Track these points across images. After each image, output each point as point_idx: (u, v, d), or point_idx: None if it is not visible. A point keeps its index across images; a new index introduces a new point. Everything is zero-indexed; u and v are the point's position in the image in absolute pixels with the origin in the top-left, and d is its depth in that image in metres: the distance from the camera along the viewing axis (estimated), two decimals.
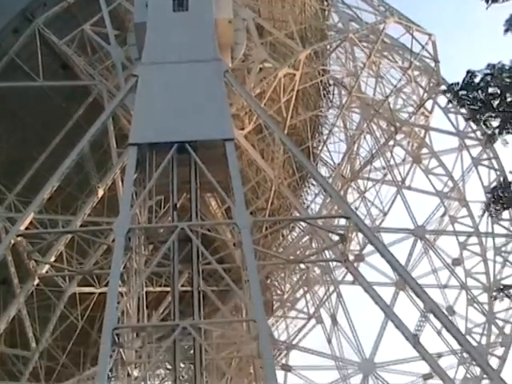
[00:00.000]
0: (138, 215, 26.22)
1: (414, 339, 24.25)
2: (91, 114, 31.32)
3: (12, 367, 33.44)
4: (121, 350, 24.51)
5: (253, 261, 22.33)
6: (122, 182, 27.97)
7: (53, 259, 28.23)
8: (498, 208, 17.90)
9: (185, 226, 22.91)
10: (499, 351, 41.38)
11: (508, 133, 16.86)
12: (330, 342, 43.29)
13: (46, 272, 28.37)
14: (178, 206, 25.03)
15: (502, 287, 25.61)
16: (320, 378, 45.54)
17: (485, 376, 32.65)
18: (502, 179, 20.84)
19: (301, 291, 46.01)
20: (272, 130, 28.56)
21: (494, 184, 37.96)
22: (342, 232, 25.85)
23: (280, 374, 42.71)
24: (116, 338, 23.57)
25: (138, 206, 24.85)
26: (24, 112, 34.97)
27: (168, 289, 28.40)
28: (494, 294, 32.03)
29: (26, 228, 26.38)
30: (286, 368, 43.40)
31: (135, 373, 27.83)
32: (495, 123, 17.03)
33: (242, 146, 30.61)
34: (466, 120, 27.11)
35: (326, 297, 44.52)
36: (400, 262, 24.27)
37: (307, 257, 37.96)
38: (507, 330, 41.87)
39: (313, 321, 44.96)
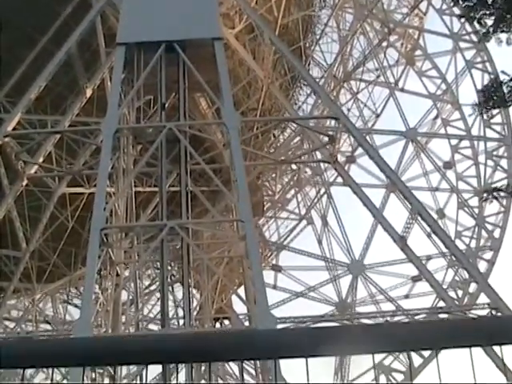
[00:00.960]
0: (127, 115, 26.04)
1: (401, 241, 24.42)
2: (80, 13, 30.74)
3: (4, 268, 33.74)
4: (109, 250, 24.73)
5: (240, 161, 22.23)
6: (111, 81, 27.67)
7: (41, 160, 28.12)
8: (488, 107, 17.73)
9: (172, 126, 22.75)
10: (488, 255, 41.73)
11: (502, 31, 16.57)
12: (320, 243, 43.57)
13: (35, 172, 28.29)
14: (166, 106, 24.80)
15: (491, 189, 25.68)
16: (310, 278, 46.08)
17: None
18: (494, 78, 20.54)
19: (292, 192, 46.16)
20: (262, 29, 28.12)
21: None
22: (331, 133, 25.71)
23: (270, 274, 43.17)
24: (104, 238, 23.70)
25: (126, 106, 24.63)
26: (12, 13, 34.30)
27: (157, 189, 28.40)
28: (484, 195, 32.17)
29: (14, 129, 26.21)
30: (276, 268, 43.79)
31: (126, 273, 28.10)
32: (490, 21, 16.72)
33: (232, 45, 30.19)
34: (460, 18, 26.53)
35: (317, 198, 44.61)
36: (388, 164, 24.24)
37: (297, 158, 37.91)
38: (496, 234, 42.13)
39: (304, 222, 45.16)
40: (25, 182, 27.36)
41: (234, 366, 37.86)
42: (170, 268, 32.68)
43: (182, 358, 2.37)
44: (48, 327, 36.01)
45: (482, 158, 43.37)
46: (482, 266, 40.90)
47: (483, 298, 40.17)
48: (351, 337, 2.35)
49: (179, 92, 24.64)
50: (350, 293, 42.83)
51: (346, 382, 42.77)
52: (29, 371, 37.94)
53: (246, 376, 38.05)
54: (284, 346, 2.30)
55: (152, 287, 38.78)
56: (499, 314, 38.43)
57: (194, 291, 42.05)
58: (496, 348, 2.53)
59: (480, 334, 2.39)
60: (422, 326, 2.41)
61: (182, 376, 26.18)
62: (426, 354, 41.18)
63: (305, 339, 2.32)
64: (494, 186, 40.23)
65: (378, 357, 41.59)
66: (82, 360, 2.33)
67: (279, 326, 37.18)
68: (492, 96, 17.39)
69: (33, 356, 2.29)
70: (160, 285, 24.07)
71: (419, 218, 25.29)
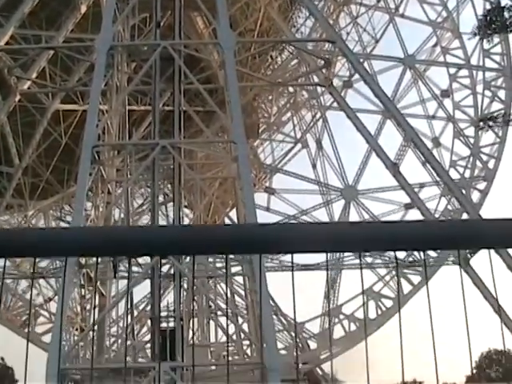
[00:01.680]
0: (121, 33, 25.72)
1: (393, 168, 24.43)
2: None
3: None
4: (101, 167, 24.71)
5: (234, 82, 22.05)
6: None
7: (35, 76, 27.90)
8: (489, 32, 17.53)
9: (167, 45, 22.49)
10: (482, 185, 41.79)
11: None
12: (314, 166, 43.54)
13: (28, 88, 28.09)
14: (162, 24, 24.54)
15: (488, 117, 25.53)
16: (302, 202, 46.18)
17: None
18: (496, 3, 20.24)
19: (288, 115, 45.94)
20: None
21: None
22: (327, 57, 25.48)
23: (263, 196, 43.30)
24: (96, 156, 23.67)
25: (120, 23, 24.32)
26: None
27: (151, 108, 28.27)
28: (480, 123, 32.05)
29: (7, 43, 25.93)
30: (270, 191, 43.89)
31: (119, 191, 28.13)
32: None
33: None
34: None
35: (312, 122, 44.46)
36: (383, 90, 24.07)
37: (292, 80, 37.61)
38: (491, 165, 42.13)
39: (299, 145, 45.10)
40: (18, 98, 27.18)
41: (223, 286, 38.25)
42: (162, 187, 32.71)
43: (169, 250, 2.36)
44: None
45: (479, 88, 43.13)
46: (475, 196, 41.04)
47: None
48: (338, 234, 2.33)
49: (175, 10, 24.34)
50: (343, 218, 43.04)
51: (334, 306, 43.28)
52: (20, 287, 38.35)
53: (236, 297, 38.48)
54: (270, 241, 2.29)
55: (144, 206, 38.88)
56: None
57: (187, 211, 42.28)
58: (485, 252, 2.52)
59: (468, 236, 2.37)
60: (410, 225, 2.39)
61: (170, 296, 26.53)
62: (416, 280, 41.63)
63: (291, 234, 2.31)
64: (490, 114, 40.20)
65: (367, 283, 42.04)
66: (73, 250, 2.32)
67: None
68: (493, 21, 17.19)
69: (28, 245, 2.28)
70: (151, 203, 24.10)
71: (412, 146, 25.27)
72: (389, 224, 2.38)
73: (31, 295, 37.07)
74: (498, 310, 35.38)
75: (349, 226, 2.40)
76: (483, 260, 41.47)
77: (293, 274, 2.85)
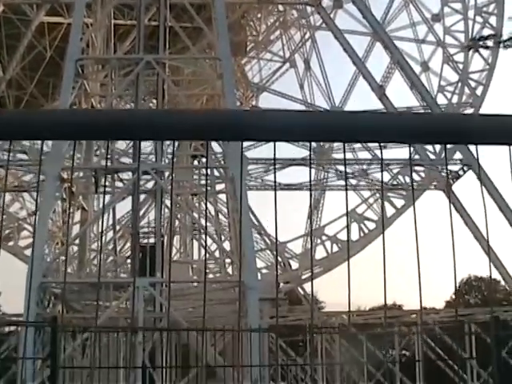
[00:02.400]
0: None
1: (379, 90, 24.32)
2: None
3: None
4: (85, 82, 24.46)
5: None
6: None
7: None
8: None
9: None
10: (468, 112, 41.69)
11: None
12: (301, 87, 43.33)
13: None
14: None
15: (478, 37, 25.26)
16: None
17: None
18: None
19: (277, 33, 45.45)
20: None
21: None
22: None
23: None
24: (80, 70, 23.42)
25: None
26: None
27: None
28: (470, 43, 31.75)
29: None
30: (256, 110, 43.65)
31: (102, 105, 27.91)
32: None
33: None
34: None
35: (301, 42, 44.04)
36: (371, 11, 23.81)
37: None
38: (479, 92, 42.00)
39: (287, 65, 44.79)
40: (1, 9, 26.75)
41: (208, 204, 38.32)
42: (145, 102, 32.45)
43: (149, 133, 2.30)
44: (24, 157, 36.05)
45: (471, 14, 42.67)
46: None
47: (459, 155, 40.71)
48: (322, 122, 2.28)
49: None
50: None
51: (318, 226, 43.60)
52: (6, 200, 38.27)
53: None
54: (251, 128, 2.24)
55: None
56: (470, 170, 39.08)
57: None
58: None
59: (453, 131, 2.32)
60: (396, 117, 2.34)
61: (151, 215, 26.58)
62: (399, 204, 41.86)
63: (273, 123, 2.25)
64: (481, 43, 39.95)
65: (351, 205, 42.23)
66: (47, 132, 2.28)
67: (251, 167, 37.71)
68: None
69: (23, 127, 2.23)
70: None
71: (399, 69, 25.11)
72: (374, 114, 2.32)
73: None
74: (487, 239, 35.73)
75: (332, 115, 2.35)
76: (465, 186, 41.66)
77: (275, 169, 2.81)
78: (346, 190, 41.26)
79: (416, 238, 3.70)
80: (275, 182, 39.14)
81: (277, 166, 36.99)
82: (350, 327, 35.21)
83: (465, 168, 40.44)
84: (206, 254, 30.81)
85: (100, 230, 25.20)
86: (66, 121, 2.23)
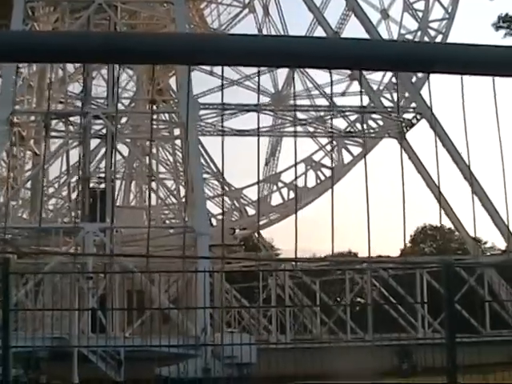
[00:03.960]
0: None
1: (334, 36, 24.17)
2: None
3: None
4: (35, 23, 24.05)
5: None
6: None
7: None
8: None
9: None
10: None
11: None
12: (260, 32, 42.95)
13: None
14: None
15: None
16: (247, 68, 45.59)
17: None
18: None
19: None
20: None
21: None
22: None
23: None
24: (30, 12, 23.04)
25: None
26: None
27: None
28: None
29: None
30: None
31: None
32: None
33: None
34: None
35: None
36: None
37: None
38: (438, 41, 41.98)
39: (246, 10, 44.38)
40: None
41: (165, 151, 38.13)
42: None
43: (104, 56, 2.25)
44: None
45: None
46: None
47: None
48: (272, 46, 2.23)
49: None
50: (286, 86, 42.94)
51: (273, 173, 43.66)
52: None
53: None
54: (203, 51, 2.18)
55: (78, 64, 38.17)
56: (424, 119, 39.27)
57: (131, 72, 41.69)
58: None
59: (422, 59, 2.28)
60: (353, 42, 2.28)
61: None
62: (356, 151, 42.00)
63: (224, 44, 2.20)
64: None
65: (308, 152, 42.31)
66: None
67: (202, 112, 37.48)
68: None
69: None
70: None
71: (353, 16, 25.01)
72: (324, 40, 2.25)
73: None
74: (439, 189, 36.08)
75: (282, 39, 2.29)
76: (419, 135, 41.84)
77: (222, 97, 2.78)
78: (295, 133, 41.13)
79: (366, 187, 3.71)
80: (222, 124, 38.93)
81: (230, 112, 36.84)
82: (298, 273, 35.46)
83: (418, 116, 40.65)
84: (149, 199, 30.64)
85: (50, 175, 25.08)
86: (19, 42, 2.16)
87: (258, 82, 43.09)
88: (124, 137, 25.68)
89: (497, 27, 21.95)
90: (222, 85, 40.44)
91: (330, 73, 3.01)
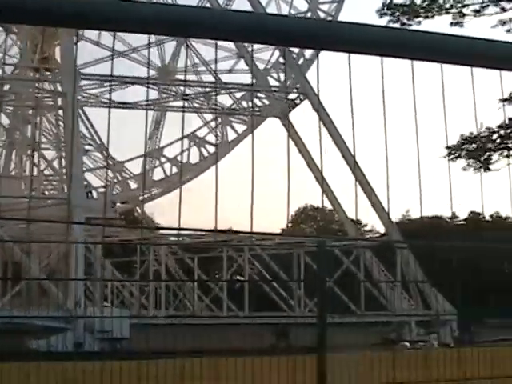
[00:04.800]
0: None
1: None
2: None
3: None
4: None
5: None
6: None
7: None
8: None
9: None
10: None
11: None
12: None
13: None
14: None
15: None
16: (134, 39, 45.05)
17: None
18: None
19: None
20: None
21: None
22: None
23: (93, 32, 41.86)
24: None
25: None
26: None
27: None
28: None
29: None
30: None
31: None
32: None
33: None
34: None
35: None
36: None
37: None
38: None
39: None
40: None
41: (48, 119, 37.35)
42: None
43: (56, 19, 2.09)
44: None
45: None
46: (308, 53, 41.30)
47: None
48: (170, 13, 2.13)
49: None
50: (173, 60, 42.63)
51: (156, 148, 43.38)
52: None
53: None
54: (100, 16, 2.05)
55: None
56: (307, 100, 39.72)
57: (15, 37, 40.45)
58: None
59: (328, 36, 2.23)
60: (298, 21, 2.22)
61: None
62: (241, 129, 42.13)
63: (124, 10, 2.08)
64: None
65: (192, 127, 42.22)
66: None
67: (83, 83, 36.82)
68: None
69: None
70: None
71: None
72: (246, 13, 2.19)
73: None
74: (321, 168, 36.55)
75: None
76: (304, 116, 42.35)
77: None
78: (184, 108, 40.90)
79: (252, 166, 3.68)
80: (110, 97, 38.42)
81: (114, 84, 36.34)
82: (176, 248, 35.38)
83: (301, 97, 41.10)
84: (32, 169, 30.02)
85: None
86: None
87: (148, 56, 42.55)
88: (13, 104, 24.97)
89: (381, 14, 22.30)
90: (113, 56, 39.76)
91: (216, 48, 2.97)
